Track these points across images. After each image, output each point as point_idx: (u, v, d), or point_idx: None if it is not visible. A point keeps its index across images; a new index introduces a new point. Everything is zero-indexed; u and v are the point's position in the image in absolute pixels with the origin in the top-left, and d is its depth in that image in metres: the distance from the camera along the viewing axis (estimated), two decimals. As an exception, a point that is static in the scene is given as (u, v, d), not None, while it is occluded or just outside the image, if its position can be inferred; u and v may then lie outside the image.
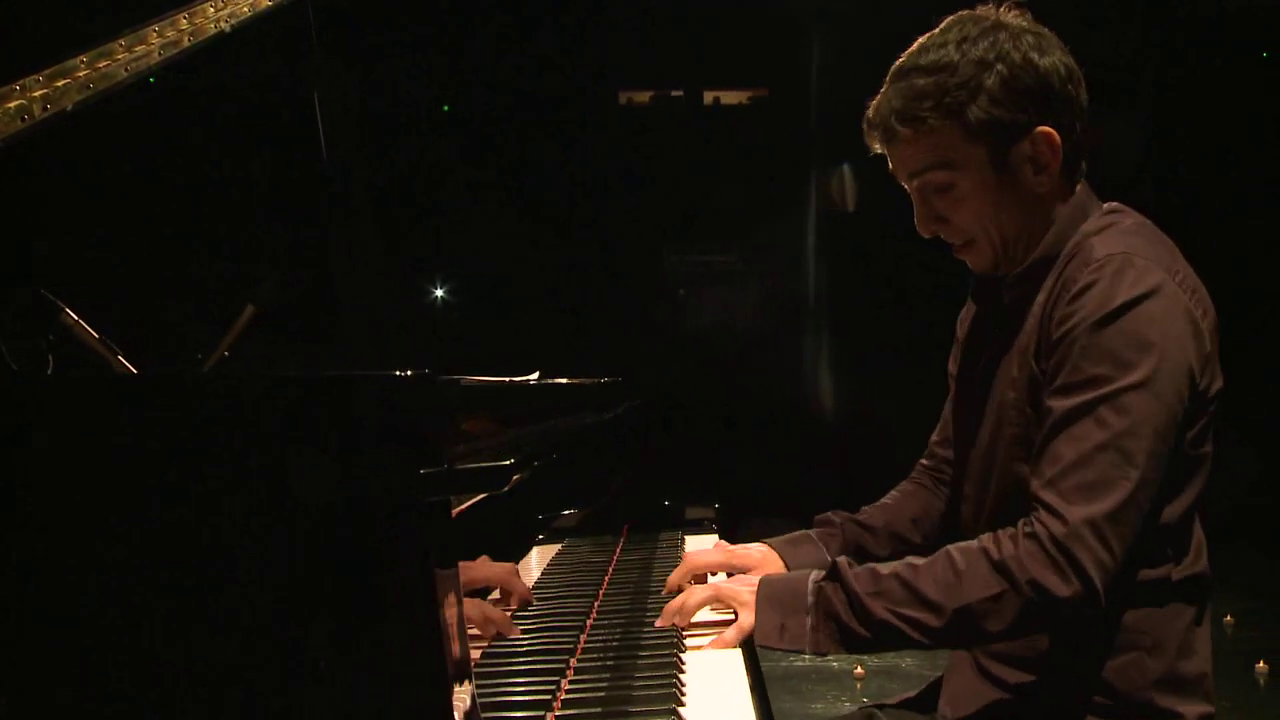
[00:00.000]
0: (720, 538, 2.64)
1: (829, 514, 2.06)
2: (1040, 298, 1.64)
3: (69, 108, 1.49)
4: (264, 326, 2.38)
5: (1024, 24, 1.68)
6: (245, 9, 1.92)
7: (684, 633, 1.67)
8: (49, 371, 2.31)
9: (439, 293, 8.04)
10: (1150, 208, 1.78)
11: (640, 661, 1.56)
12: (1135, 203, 1.75)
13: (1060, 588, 1.41)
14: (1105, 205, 1.73)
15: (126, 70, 1.60)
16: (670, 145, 8.51)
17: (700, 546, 2.50)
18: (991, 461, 1.71)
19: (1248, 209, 7.33)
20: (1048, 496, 1.46)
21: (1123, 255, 1.53)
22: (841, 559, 1.60)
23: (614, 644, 1.68)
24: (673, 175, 8.43)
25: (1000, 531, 1.50)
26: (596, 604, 1.91)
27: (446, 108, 8.40)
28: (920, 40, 1.70)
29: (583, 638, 1.69)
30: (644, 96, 8.83)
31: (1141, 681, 1.56)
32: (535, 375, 2.07)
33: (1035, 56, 1.63)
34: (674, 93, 8.83)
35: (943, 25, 1.70)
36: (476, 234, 8.06)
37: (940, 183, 1.66)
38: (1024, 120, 1.63)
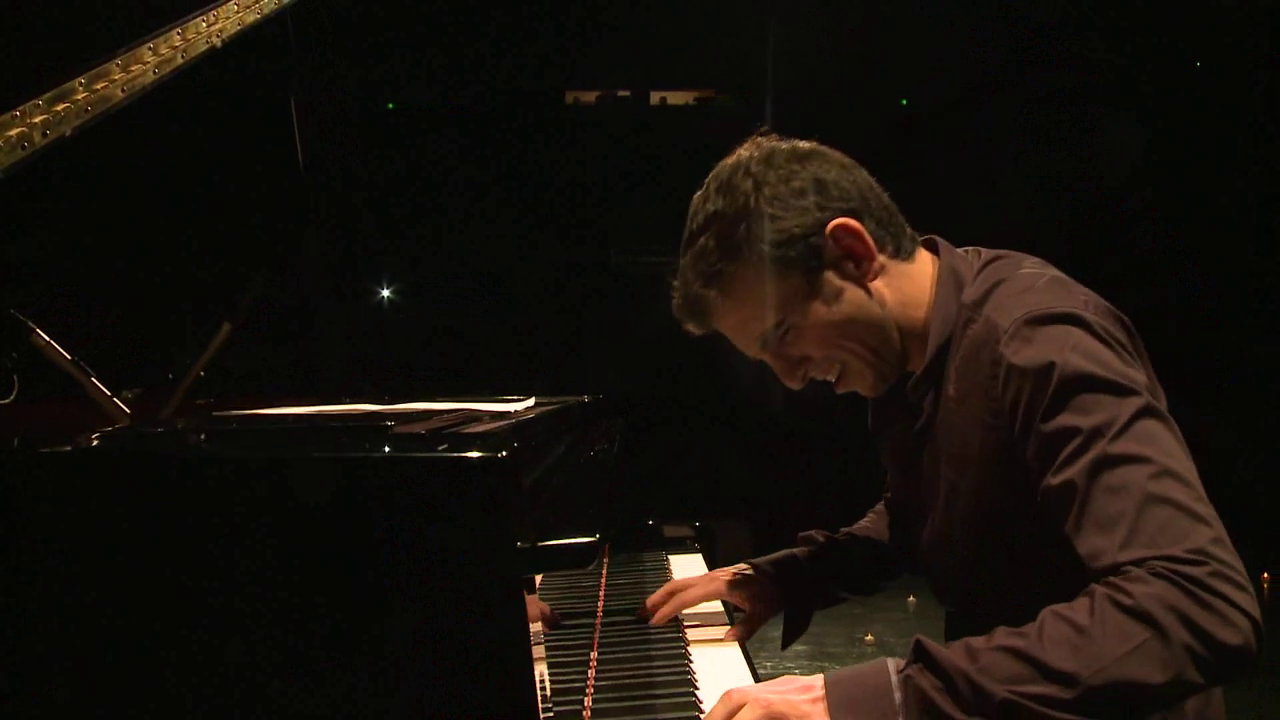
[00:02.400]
0: (704, 555, 2.62)
1: (812, 532, 2.05)
2: (950, 390, 1.54)
3: (68, 134, 1.43)
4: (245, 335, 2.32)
5: (774, 144, 1.62)
6: (234, 25, 1.86)
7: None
8: (14, 394, 2.23)
9: (385, 293, 7.93)
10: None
11: (659, 703, 1.53)
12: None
13: (1227, 634, 1.18)
14: (970, 257, 1.64)
15: (123, 91, 1.54)
16: (617, 145, 8.48)
17: (686, 566, 2.48)
18: (950, 559, 1.62)
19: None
20: (1136, 555, 1.23)
21: (1025, 316, 1.43)
22: (921, 638, 1.31)
23: (626, 680, 1.64)
24: (619, 175, 8.40)
25: (1113, 577, 1.24)
26: (596, 636, 1.88)
27: (391, 105, 8.30)
28: (691, 206, 1.64)
29: (591, 674, 1.66)
30: (590, 96, 8.78)
31: None
32: (531, 401, 2.02)
33: (795, 166, 1.57)
34: (621, 93, 8.80)
35: (700, 190, 1.64)
36: (420, 234, 7.97)
37: (776, 330, 1.57)
38: (812, 221, 1.55)
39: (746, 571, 1.95)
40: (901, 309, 1.61)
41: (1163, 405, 1.49)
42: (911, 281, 1.62)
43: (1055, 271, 1.60)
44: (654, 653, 1.75)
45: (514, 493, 0.76)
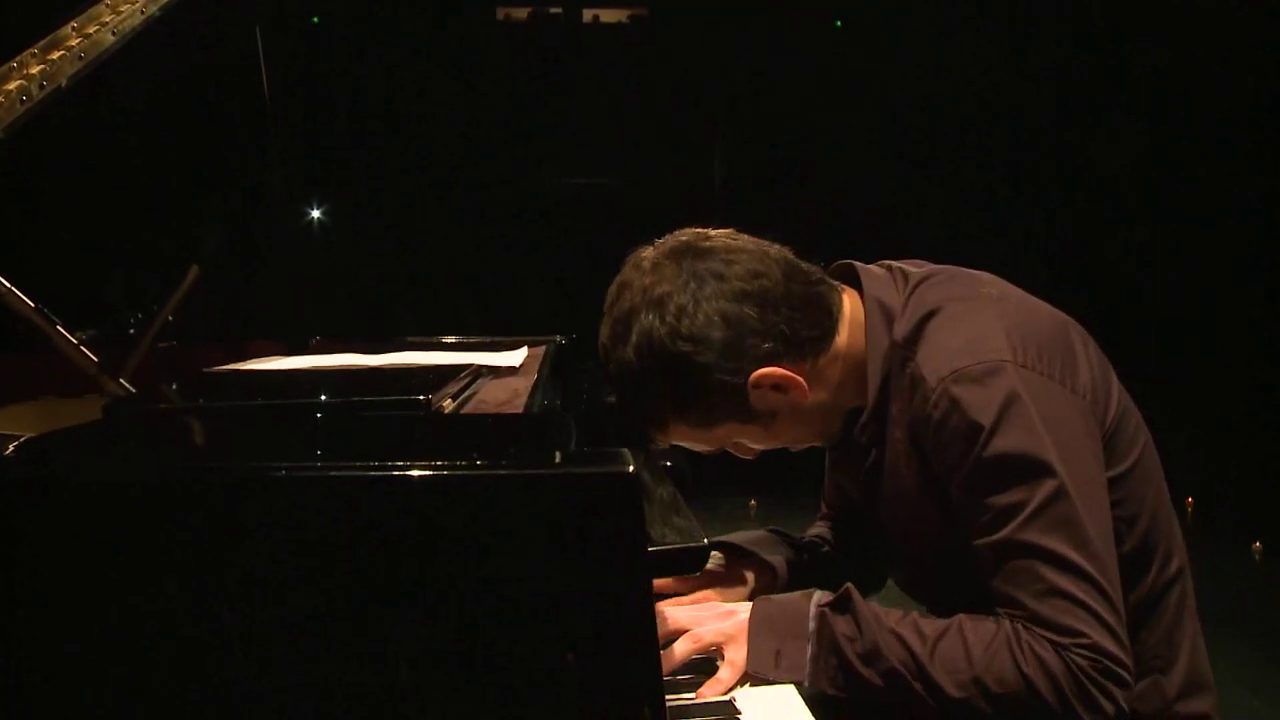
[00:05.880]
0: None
1: (775, 529, 1.97)
2: (895, 433, 1.53)
3: (64, 84, 1.34)
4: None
5: (666, 285, 1.47)
6: (213, -44, 1.76)
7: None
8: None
9: (315, 214, 7.72)
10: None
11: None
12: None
13: (1090, 715, 1.30)
14: (896, 280, 1.59)
15: (114, 34, 1.45)
16: (548, 63, 8.34)
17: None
18: (921, 586, 1.67)
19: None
20: (1037, 632, 1.35)
21: (952, 375, 1.40)
22: (851, 587, 1.42)
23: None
24: (551, 93, 8.27)
25: (1021, 627, 1.35)
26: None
27: (316, 20, 8.03)
28: (601, 348, 1.53)
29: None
30: (522, 13, 8.60)
31: (1162, 703, 1.53)
32: (525, 350, 1.97)
33: (687, 323, 1.45)
34: (553, 9, 8.63)
35: (609, 322, 1.51)
36: (346, 154, 7.77)
37: (716, 452, 1.61)
38: (732, 385, 1.48)
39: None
40: (834, 391, 1.57)
41: (1114, 409, 1.48)
42: (834, 362, 1.56)
43: (985, 287, 1.55)
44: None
45: (640, 505, 0.73)
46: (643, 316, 1.46)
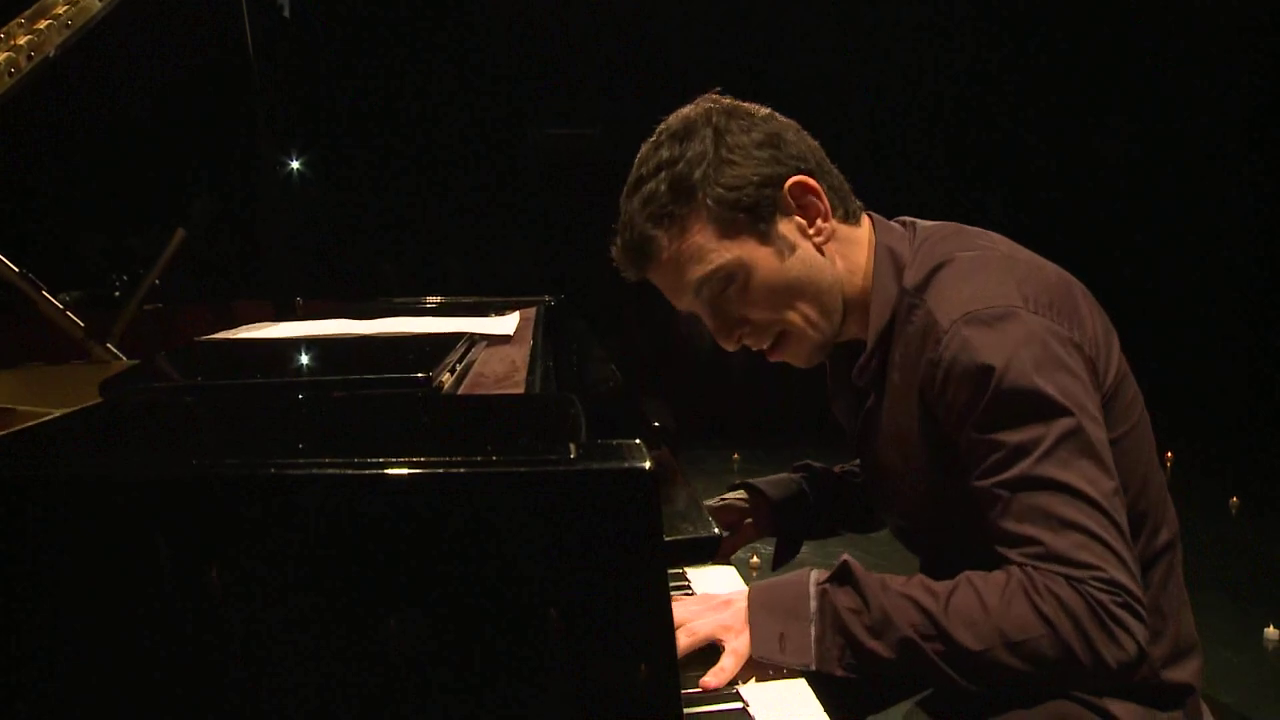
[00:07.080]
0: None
1: (808, 462, 2.00)
2: (895, 378, 1.52)
3: (52, 54, 1.31)
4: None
5: (730, 102, 1.56)
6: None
7: None
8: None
9: (295, 164, 7.64)
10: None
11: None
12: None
13: (1111, 656, 1.30)
14: (906, 232, 1.61)
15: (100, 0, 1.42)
16: (533, 15, 8.25)
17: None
18: (910, 530, 1.65)
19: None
20: (1050, 568, 1.34)
21: (964, 316, 1.42)
22: (848, 559, 1.40)
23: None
24: (535, 45, 8.19)
25: (1032, 570, 1.34)
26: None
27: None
28: (640, 154, 1.54)
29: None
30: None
31: (1148, 670, 1.53)
32: (516, 316, 1.96)
33: (756, 120, 1.52)
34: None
35: (651, 138, 1.54)
36: (325, 110, 7.69)
37: (720, 281, 1.52)
38: (771, 173, 1.50)
39: (740, 497, 1.90)
40: (848, 275, 1.58)
41: (1114, 372, 1.49)
42: (857, 248, 1.58)
43: (994, 242, 1.56)
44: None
45: (659, 501, 0.72)
46: (701, 123, 1.51)
